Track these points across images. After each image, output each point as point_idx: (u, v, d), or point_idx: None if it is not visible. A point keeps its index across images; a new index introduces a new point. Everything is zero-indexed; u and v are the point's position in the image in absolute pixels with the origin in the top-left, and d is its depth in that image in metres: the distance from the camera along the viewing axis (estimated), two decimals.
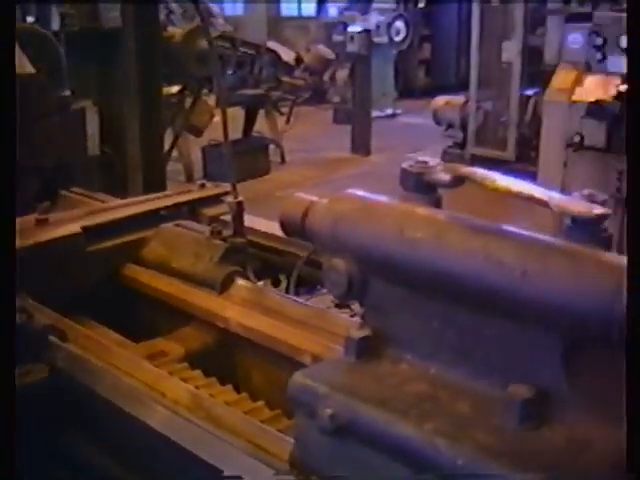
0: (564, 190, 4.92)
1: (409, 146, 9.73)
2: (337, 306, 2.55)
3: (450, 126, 9.11)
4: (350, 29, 11.56)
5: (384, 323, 1.62)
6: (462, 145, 9.13)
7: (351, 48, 11.22)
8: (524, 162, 7.80)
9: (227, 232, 2.75)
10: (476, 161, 8.12)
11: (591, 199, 1.44)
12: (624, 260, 1.31)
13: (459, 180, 1.57)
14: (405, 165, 1.65)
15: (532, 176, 5.39)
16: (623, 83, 4.94)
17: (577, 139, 5.07)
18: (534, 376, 1.40)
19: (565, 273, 1.32)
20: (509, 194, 1.46)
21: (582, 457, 1.33)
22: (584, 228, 1.40)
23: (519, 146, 8.40)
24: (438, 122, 9.24)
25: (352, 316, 2.39)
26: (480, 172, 1.56)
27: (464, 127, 8.99)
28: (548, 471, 1.29)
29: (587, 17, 5.57)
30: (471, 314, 1.48)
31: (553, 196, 1.42)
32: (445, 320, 1.53)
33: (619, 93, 4.92)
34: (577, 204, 1.41)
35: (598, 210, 1.39)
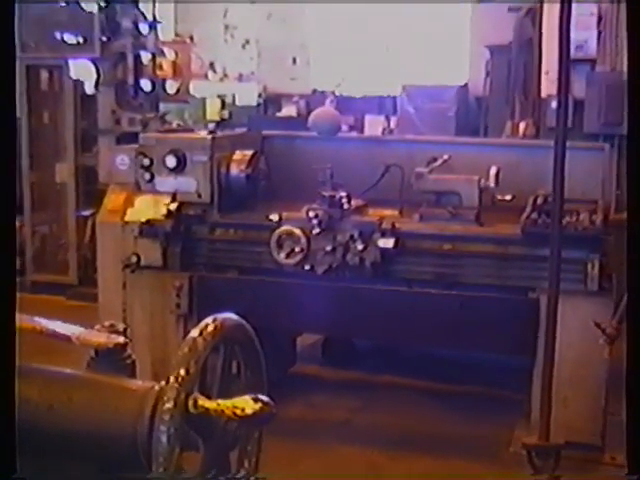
0: (125, 312, 5.14)
1: None
2: None
3: None
4: None
5: None
6: (22, 272, 9.03)
7: None
8: (88, 285, 7.89)
9: None
10: (38, 288, 8.07)
11: (112, 330, 1.62)
12: (146, 385, 1.49)
13: None
14: None
15: (96, 299, 5.52)
16: (173, 201, 5.24)
17: (134, 259, 5.28)
18: None
19: (89, 403, 1.48)
20: (35, 332, 1.60)
21: None
22: (107, 358, 1.57)
23: (81, 269, 8.51)
24: None
25: None
26: None
27: (22, 253, 8.93)
28: None
29: (137, 137, 5.90)
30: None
31: (75, 331, 1.58)
32: None
33: (169, 212, 5.23)
34: (98, 336, 1.58)
35: (118, 339, 1.58)
